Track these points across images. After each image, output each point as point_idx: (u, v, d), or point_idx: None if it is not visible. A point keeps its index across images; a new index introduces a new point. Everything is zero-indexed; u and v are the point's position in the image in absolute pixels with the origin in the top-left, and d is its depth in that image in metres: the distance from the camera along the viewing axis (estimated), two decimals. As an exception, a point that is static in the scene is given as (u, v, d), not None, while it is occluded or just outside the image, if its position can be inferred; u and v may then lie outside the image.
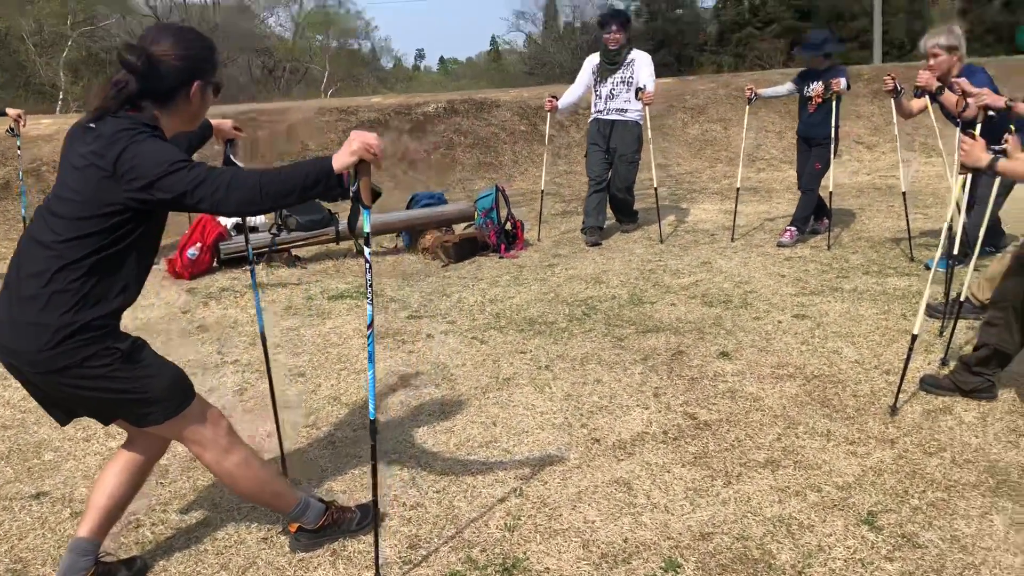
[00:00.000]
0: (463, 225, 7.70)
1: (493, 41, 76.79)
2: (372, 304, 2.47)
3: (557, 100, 7.77)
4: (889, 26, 35.07)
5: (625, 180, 7.75)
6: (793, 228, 7.24)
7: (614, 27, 7.49)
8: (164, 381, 2.41)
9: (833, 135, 7.03)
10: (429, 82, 60.58)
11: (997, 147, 3.53)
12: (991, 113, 4.37)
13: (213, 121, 3.09)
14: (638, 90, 7.48)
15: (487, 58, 66.65)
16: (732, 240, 7.48)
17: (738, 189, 7.90)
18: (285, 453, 3.44)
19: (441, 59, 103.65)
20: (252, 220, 7.18)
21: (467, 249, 7.30)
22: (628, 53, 7.60)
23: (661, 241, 7.60)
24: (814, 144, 7.22)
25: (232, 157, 3.23)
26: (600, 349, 4.79)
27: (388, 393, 4.26)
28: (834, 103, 6.93)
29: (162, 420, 2.43)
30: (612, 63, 7.62)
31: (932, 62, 5.62)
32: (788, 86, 7.39)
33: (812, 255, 6.81)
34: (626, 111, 7.59)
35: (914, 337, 3.86)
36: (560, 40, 48.39)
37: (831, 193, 7.05)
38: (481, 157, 11.82)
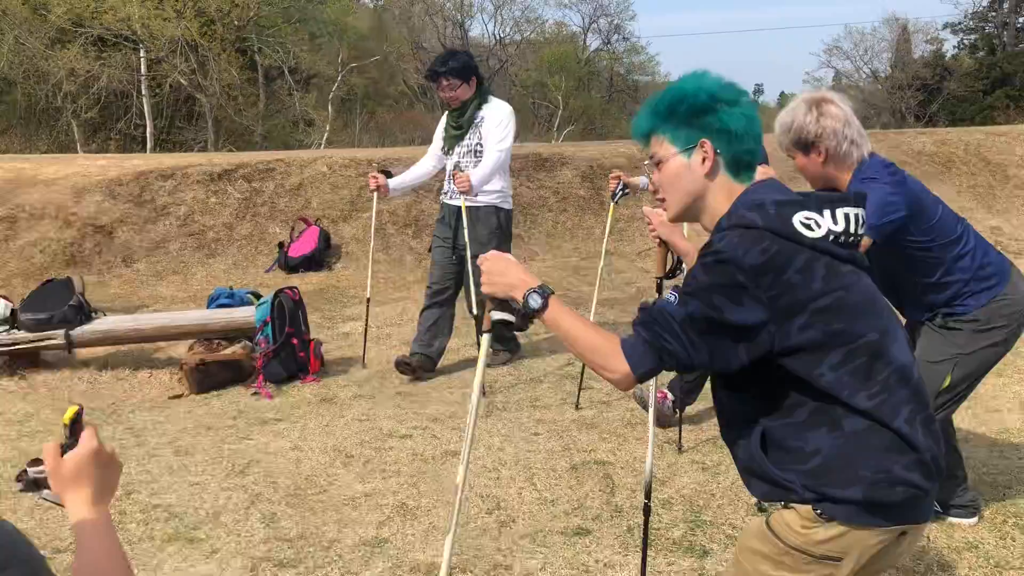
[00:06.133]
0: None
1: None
2: None
3: (388, 175, 5.50)
4: None
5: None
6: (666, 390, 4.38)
7: (444, 81, 5.09)
8: None
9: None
10: (766, 118, 56.17)
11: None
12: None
13: None
14: (455, 166, 5.07)
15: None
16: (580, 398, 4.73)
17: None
18: None
19: (782, 94, 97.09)
20: (-11, 311, 5.74)
21: (221, 376, 5.30)
22: (477, 111, 5.17)
23: (483, 393, 5.03)
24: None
25: None
26: None
27: None
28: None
29: None
30: (457, 127, 5.23)
31: None
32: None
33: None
34: (476, 192, 5.16)
35: None
36: (876, 80, 43.00)
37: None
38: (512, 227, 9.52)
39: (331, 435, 4.45)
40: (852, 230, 1.75)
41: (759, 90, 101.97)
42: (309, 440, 4.38)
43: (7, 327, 5.59)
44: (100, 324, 5.59)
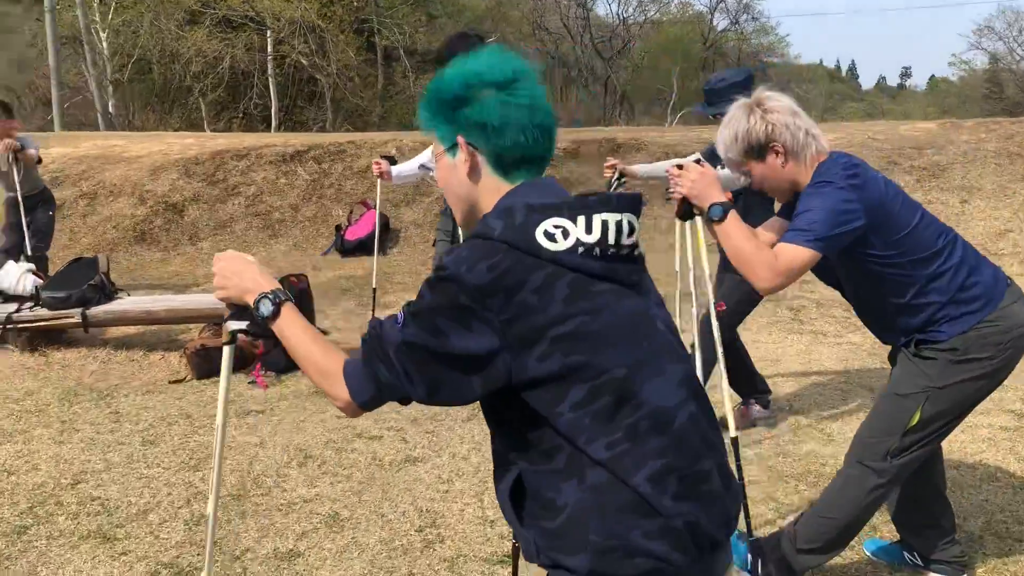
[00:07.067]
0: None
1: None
2: None
3: (391, 163, 5.29)
4: None
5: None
6: None
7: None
8: None
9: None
10: (911, 105, 53.19)
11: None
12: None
13: None
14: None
15: (981, 78, 55.83)
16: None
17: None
18: None
19: (932, 78, 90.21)
20: (10, 285, 5.87)
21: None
22: (482, 97, 4.87)
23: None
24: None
25: None
26: None
27: None
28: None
29: None
30: (460, 114, 4.95)
31: None
32: (674, 162, 4.10)
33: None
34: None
35: None
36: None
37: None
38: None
39: (301, 432, 4.30)
40: (612, 240, 1.43)
41: (906, 73, 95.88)
42: (277, 436, 4.25)
43: (32, 304, 5.71)
44: (115, 305, 5.63)
